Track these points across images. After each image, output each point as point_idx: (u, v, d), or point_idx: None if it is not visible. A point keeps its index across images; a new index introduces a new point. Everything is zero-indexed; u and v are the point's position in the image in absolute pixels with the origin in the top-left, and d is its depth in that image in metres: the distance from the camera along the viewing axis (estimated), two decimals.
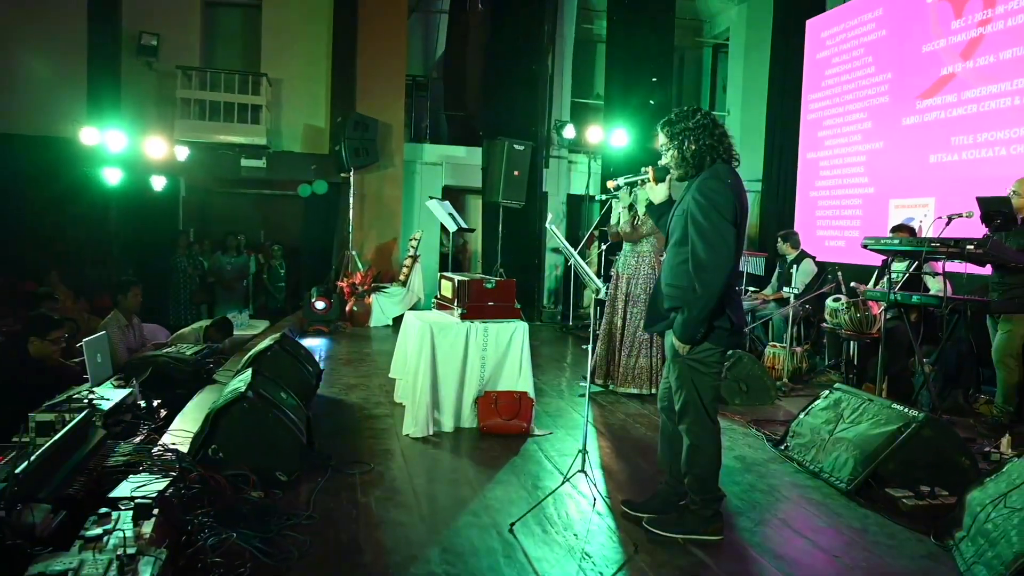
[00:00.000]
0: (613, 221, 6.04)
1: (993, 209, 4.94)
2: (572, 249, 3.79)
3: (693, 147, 3.05)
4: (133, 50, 10.51)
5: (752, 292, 7.92)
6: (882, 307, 5.47)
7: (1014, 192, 4.97)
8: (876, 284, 6.11)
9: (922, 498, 3.52)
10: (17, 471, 2.62)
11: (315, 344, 7.90)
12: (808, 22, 9.50)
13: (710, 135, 3.05)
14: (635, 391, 5.81)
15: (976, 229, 5.18)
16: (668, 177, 3.26)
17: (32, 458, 2.83)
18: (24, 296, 8.11)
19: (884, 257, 5.55)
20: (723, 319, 3.03)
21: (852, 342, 6.36)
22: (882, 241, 5.34)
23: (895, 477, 3.66)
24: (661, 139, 3.18)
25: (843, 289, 6.65)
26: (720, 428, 3.22)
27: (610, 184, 3.67)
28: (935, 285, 5.45)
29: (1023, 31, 6.27)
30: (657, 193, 3.32)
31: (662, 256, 5.75)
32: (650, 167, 3.30)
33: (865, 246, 5.48)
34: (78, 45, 10.33)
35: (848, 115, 8.50)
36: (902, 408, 3.92)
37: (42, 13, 10.32)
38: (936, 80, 7.23)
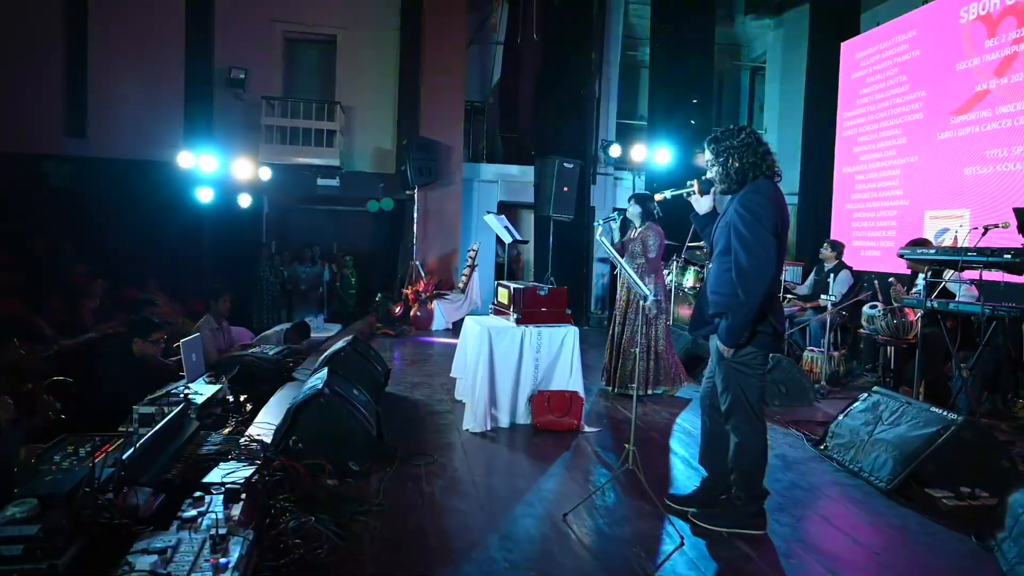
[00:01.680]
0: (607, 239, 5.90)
1: None
2: (621, 259, 3.74)
3: (737, 164, 3.00)
4: (224, 83, 10.87)
5: (791, 298, 7.70)
6: (918, 314, 5.25)
7: None
8: (909, 292, 5.88)
9: (962, 499, 3.35)
10: (123, 458, 2.70)
11: (383, 346, 7.98)
12: (843, 44, 9.22)
13: (753, 152, 2.99)
14: (669, 389, 5.74)
15: (1011, 239, 4.93)
16: (712, 190, 3.20)
17: (136, 446, 2.92)
18: (127, 302, 8.41)
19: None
20: (766, 324, 2.97)
21: (889, 347, 6.12)
22: (919, 251, 5.12)
23: (935, 478, 3.49)
24: (707, 155, 3.14)
25: (879, 297, 6.41)
26: (767, 427, 3.14)
27: (657, 196, 3.62)
28: (960, 292, 5.21)
29: None
30: (702, 204, 3.27)
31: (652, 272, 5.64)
32: (696, 180, 3.25)
33: (902, 256, 5.27)
34: (176, 79, 10.77)
35: (883, 131, 8.21)
36: (941, 411, 3.74)
37: (144, 51, 10.78)
38: (970, 96, 6.93)
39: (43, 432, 3.83)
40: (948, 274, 5.07)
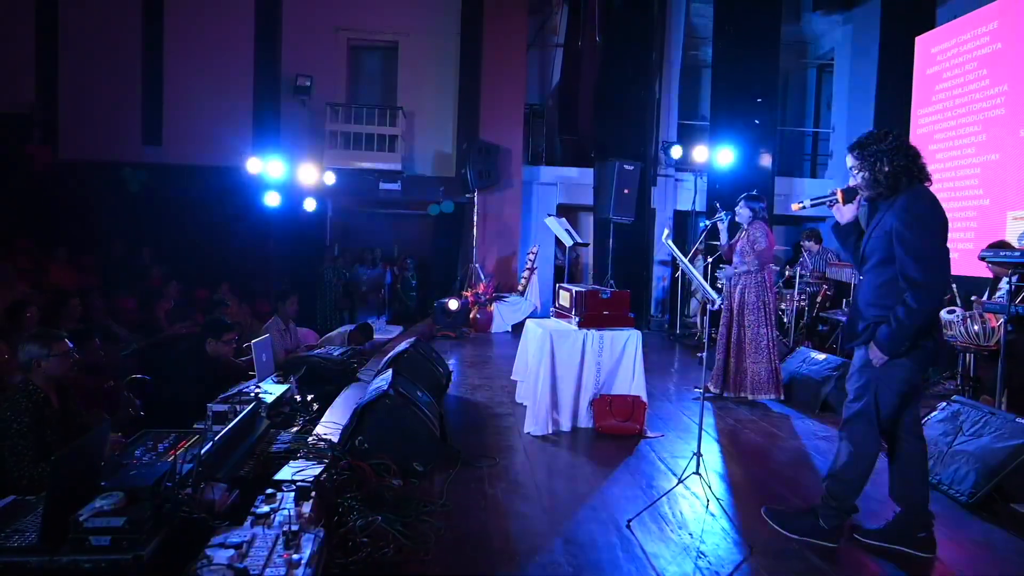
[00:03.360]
0: (723, 240, 5.83)
1: None
2: (688, 263, 3.68)
3: (887, 168, 2.84)
4: (290, 90, 11.19)
5: None
6: (1000, 319, 4.98)
7: None
8: (991, 296, 5.58)
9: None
10: (201, 453, 2.80)
11: (444, 348, 8.06)
12: (917, 39, 8.84)
13: (904, 155, 2.85)
14: (765, 398, 5.57)
15: None
16: (856, 198, 3.03)
17: (212, 443, 3.02)
18: (199, 302, 8.74)
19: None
20: (928, 339, 2.86)
21: (968, 354, 5.82)
22: (1001, 254, 4.86)
23: (1021, 492, 3.30)
24: (850, 161, 2.98)
25: (958, 301, 6.11)
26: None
27: (795, 206, 3.42)
28: None
29: None
30: (844, 213, 3.09)
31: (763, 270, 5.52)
32: (839, 189, 3.06)
33: (983, 259, 5.02)
34: (245, 88, 11.16)
35: (961, 128, 7.83)
36: None
37: (216, 62, 11.21)
38: None
39: (124, 427, 4.01)
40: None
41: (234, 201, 10.66)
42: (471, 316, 9.65)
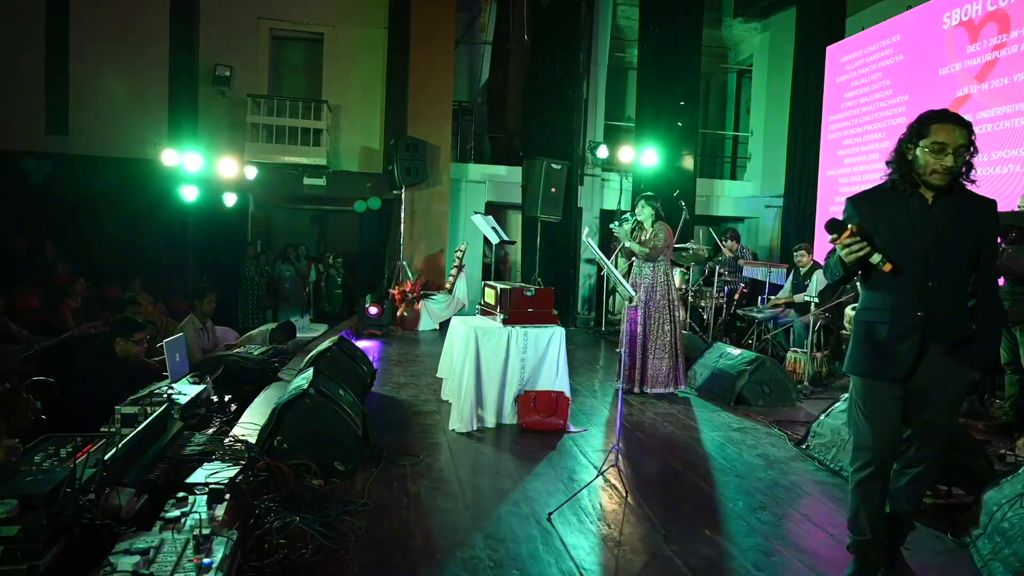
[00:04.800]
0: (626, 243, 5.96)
1: (1008, 223, 4.78)
2: (607, 260, 3.77)
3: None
4: (209, 80, 10.80)
5: (771, 300, 7.77)
6: None
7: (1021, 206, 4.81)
8: None
9: (939, 497, 3.41)
10: (105, 458, 2.69)
11: (369, 346, 7.98)
12: (828, 48, 9.32)
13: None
14: (662, 391, 5.78)
15: None
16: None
17: (118, 447, 2.90)
18: (109, 301, 8.35)
19: None
20: None
21: None
22: None
23: None
24: (964, 138, 2.42)
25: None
26: None
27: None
28: None
29: None
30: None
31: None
32: (852, 226, 2.48)
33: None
34: (160, 76, 10.69)
35: (867, 135, 8.31)
36: None
37: (127, 47, 10.68)
38: (952, 101, 7.02)
39: (24, 432, 3.80)
40: None
41: (148, 195, 10.20)
42: (398, 314, 9.58)
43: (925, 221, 2.47)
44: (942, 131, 2.41)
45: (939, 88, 7.22)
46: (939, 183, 2.44)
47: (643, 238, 5.78)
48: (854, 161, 8.51)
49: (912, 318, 2.46)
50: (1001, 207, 5.06)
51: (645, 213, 5.82)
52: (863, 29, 8.80)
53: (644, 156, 10.71)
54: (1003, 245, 4.76)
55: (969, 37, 6.86)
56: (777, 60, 11.82)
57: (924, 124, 2.47)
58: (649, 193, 6.13)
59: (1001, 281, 4.87)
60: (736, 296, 8.42)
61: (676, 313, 5.87)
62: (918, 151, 2.46)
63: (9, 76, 10.34)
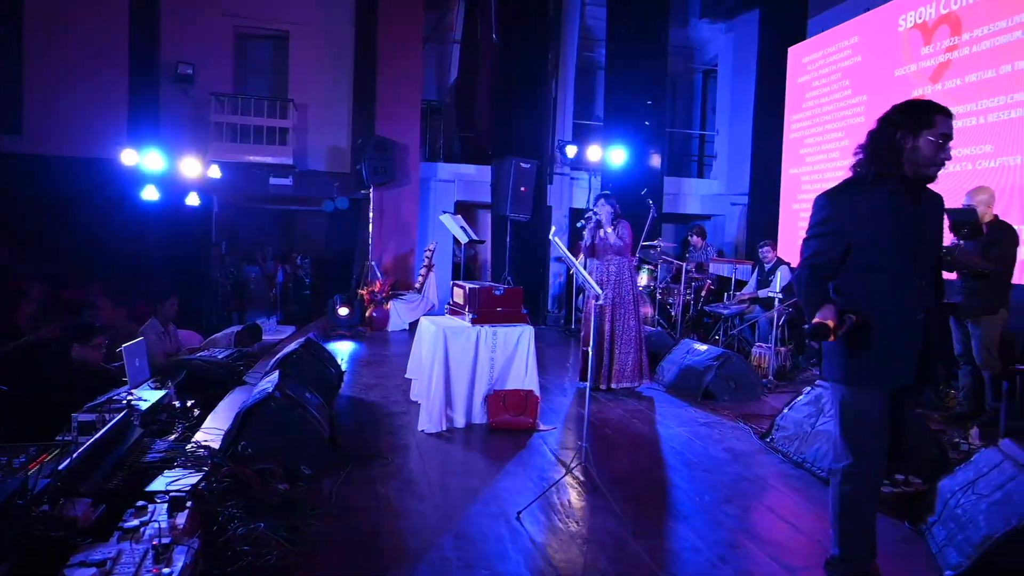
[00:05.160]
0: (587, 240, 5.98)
1: (961, 220, 4.89)
2: (574, 258, 3.77)
3: None
4: (171, 78, 10.58)
5: (737, 296, 7.87)
6: None
7: (972, 203, 4.93)
8: None
9: (897, 486, 3.48)
10: (60, 468, 2.61)
11: (338, 347, 7.89)
12: (790, 49, 9.46)
13: None
14: (628, 385, 5.83)
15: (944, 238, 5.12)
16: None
17: (74, 456, 2.82)
18: (67, 305, 8.12)
19: None
20: None
21: None
22: None
23: None
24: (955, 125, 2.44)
25: None
26: None
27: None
28: None
29: (986, 57, 6.23)
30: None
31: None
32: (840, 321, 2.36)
33: None
34: (119, 74, 10.42)
35: (827, 134, 8.46)
36: None
37: (86, 45, 10.40)
38: None
39: None
40: None
41: (107, 195, 9.94)
42: (367, 314, 9.49)
43: (912, 216, 2.38)
44: (946, 123, 2.35)
45: (895, 89, 7.37)
46: (933, 176, 2.38)
47: (602, 235, 5.79)
48: (815, 160, 8.66)
49: (914, 322, 2.36)
50: (955, 203, 5.21)
51: (604, 212, 5.84)
52: (823, 31, 8.96)
53: (612, 155, 10.77)
54: (956, 240, 4.88)
55: (923, 39, 7.02)
56: (742, 60, 11.97)
57: (927, 114, 2.35)
58: (607, 192, 6.17)
59: (954, 276, 4.99)
60: (703, 293, 8.51)
61: (640, 309, 5.92)
62: (921, 142, 2.33)
63: None
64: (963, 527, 2.71)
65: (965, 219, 4.82)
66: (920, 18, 7.09)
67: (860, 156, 2.46)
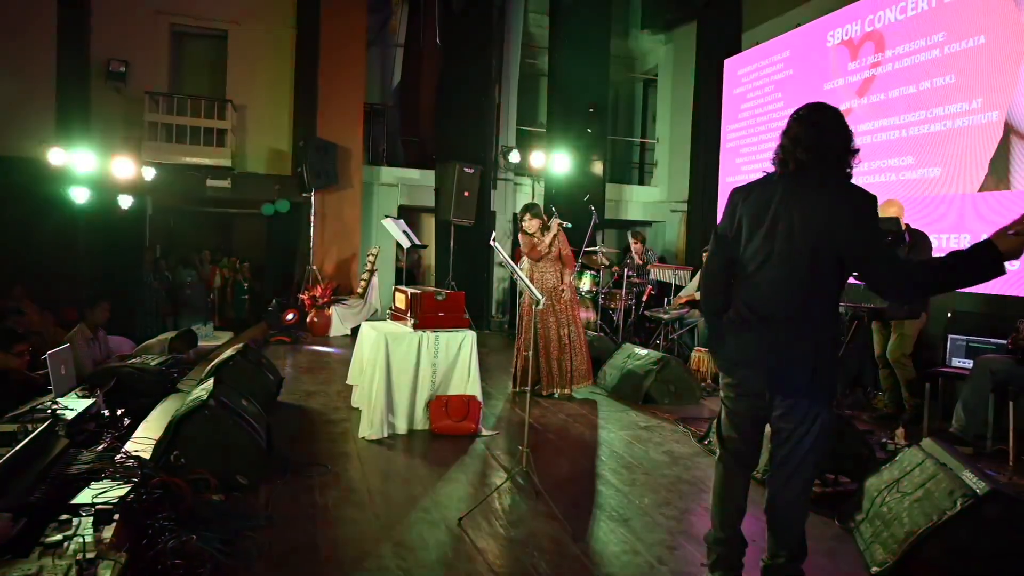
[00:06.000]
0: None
1: (884, 228, 5.13)
2: (514, 264, 3.79)
3: None
4: (102, 75, 10.17)
5: (674, 299, 8.04)
6: None
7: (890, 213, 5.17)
8: None
9: (827, 485, 3.61)
10: None
11: (277, 353, 7.71)
12: (726, 61, 9.75)
13: None
14: (586, 387, 5.94)
15: None
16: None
17: None
18: None
19: None
20: None
21: None
22: None
23: None
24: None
25: None
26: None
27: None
28: None
29: (907, 73, 6.55)
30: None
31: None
32: None
33: None
34: (47, 69, 9.95)
35: (761, 143, 8.74)
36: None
37: (10, 38, 9.91)
38: None
39: None
40: None
41: (33, 196, 9.49)
42: (308, 319, 9.32)
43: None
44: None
45: (825, 101, 7.67)
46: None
47: (544, 245, 5.82)
48: (751, 168, 8.93)
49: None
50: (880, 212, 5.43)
51: (533, 225, 5.86)
52: (757, 44, 9.26)
53: (555, 161, 10.87)
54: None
55: (850, 55, 7.34)
56: (680, 71, 12.27)
57: None
58: (529, 203, 6.25)
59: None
60: (644, 298, 8.66)
61: (578, 313, 5.99)
62: None
63: None
64: (888, 524, 2.83)
65: (888, 227, 5.05)
66: (847, 35, 7.41)
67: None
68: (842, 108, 7.28)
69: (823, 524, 3.27)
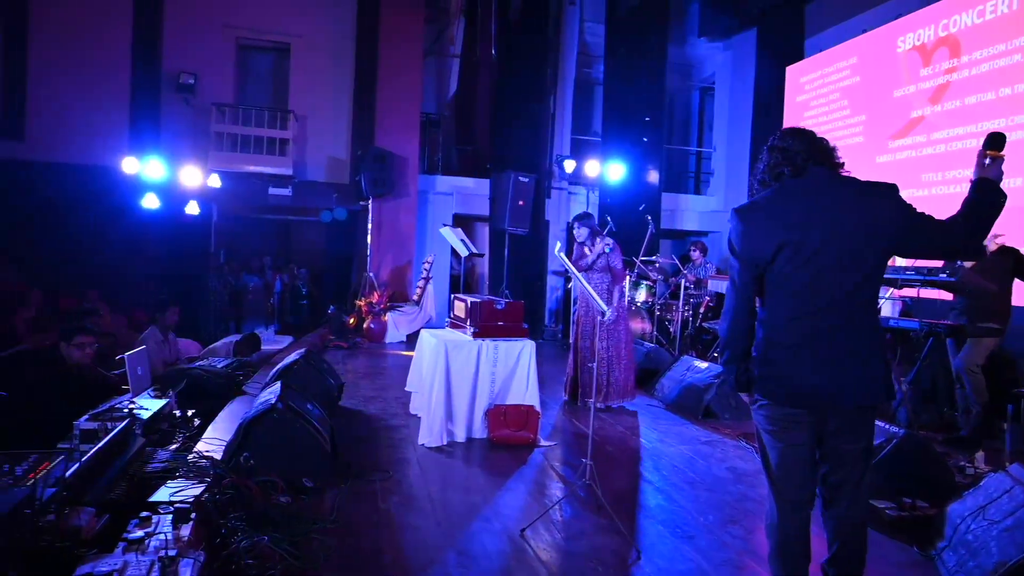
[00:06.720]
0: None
1: None
2: (579, 274, 3.78)
3: None
4: (172, 87, 10.59)
5: None
6: None
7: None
8: None
9: (904, 509, 3.47)
10: (67, 476, 2.58)
11: (335, 359, 7.85)
12: (788, 68, 9.56)
13: None
14: (627, 402, 5.84)
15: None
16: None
17: (79, 464, 2.79)
18: (64, 312, 8.07)
19: None
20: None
21: None
22: None
23: (878, 489, 3.60)
24: None
25: None
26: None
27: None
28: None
29: (986, 79, 6.31)
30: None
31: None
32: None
33: None
34: (121, 82, 10.44)
35: None
36: (883, 424, 3.87)
37: (89, 55, 10.41)
38: (907, 122, 7.25)
39: None
40: (886, 291, 5.27)
41: (107, 203, 9.92)
42: (364, 326, 9.47)
43: None
44: None
45: (894, 109, 7.44)
46: None
47: (588, 255, 5.74)
48: None
49: None
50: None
51: (582, 233, 5.80)
52: (821, 51, 9.05)
53: (610, 170, 10.82)
54: (961, 263, 4.91)
55: (922, 60, 7.10)
56: (739, 78, 12.08)
57: None
58: (581, 212, 6.18)
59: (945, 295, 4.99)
60: (702, 309, 8.52)
61: (628, 325, 5.91)
62: None
63: None
64: (975, 554, 2.70)
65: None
66: (919, 40, 7.18)
67: None
68: (913, 116, 7.12)
69: (900, 550, 3.15)
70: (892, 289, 5.34)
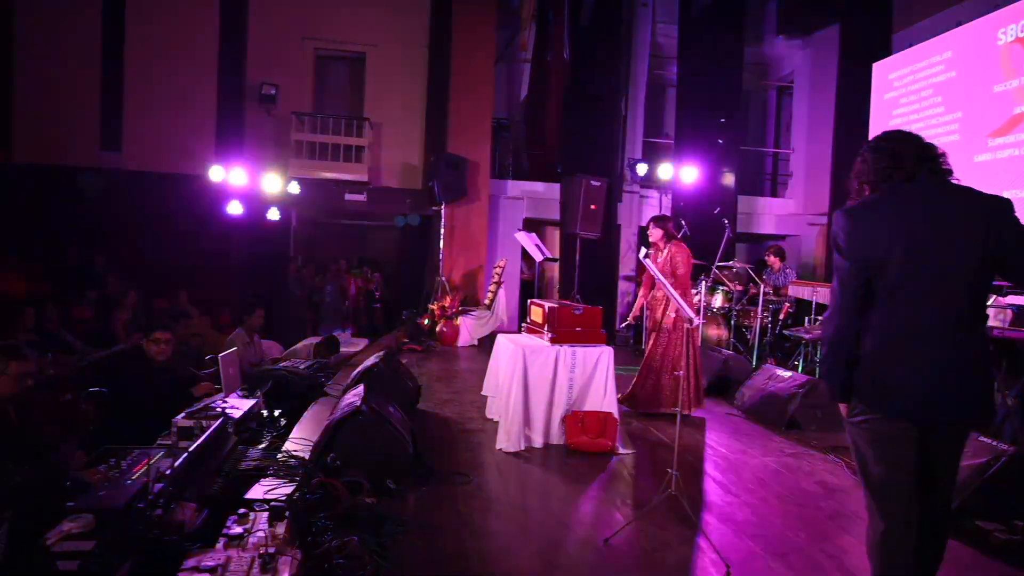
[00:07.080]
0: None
1: None
2: (666, 280, 3.71)
3: None
4: (255, 98, 11.02)
5: (820, 320, 7.58)
6: None
7: None
8: None
9: (1015, 533, 3.25)
10: (173, 470, 2.70)
11: (410, 362, 7.96)
12: (875, 65, 9.15)
13: None
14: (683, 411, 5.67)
15: None
16: None
17: (182, 460, 2.92)
18: (157, 313, 8.48)
19: None
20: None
21: None
22: None
23: (985, 510, 3.39)
24: None
25: None
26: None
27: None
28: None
29: None
30: None
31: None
32: None
33: None
34: (209, 94, 10.93)
35: None
36: (989, 441, 3.65)
37: (178, 67, 10.95)
38: (1009, 119, 6.82)
39: (81, 443, 3.85)
40: (991, 299, 4.97)
41: (195, 209, 10.40)
42: (437, 329, 9.59)
43: None
44: None
45: (994, 105, 7.02)
46: None
47: (659, 260, 5.65)
48: None
49: None
50: None
51: (656, 234, 5.69)
52: (911, 46, 8.63)
53: (684, 173, 10.62)
54: None
55: None
56: (820, 76, 11.66)
57: None
58: (658, 215, 6.04)
59: None
60: (781, 316, 8.25)
61: (689, 337, 5.72)
62: None
63: (67, 93, 10.68)
64: None
65: None
66: (1022, 31, 6.76)
67: None
68: (1016, 112, 6.70)
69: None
70: (995, 296, 5.04)
